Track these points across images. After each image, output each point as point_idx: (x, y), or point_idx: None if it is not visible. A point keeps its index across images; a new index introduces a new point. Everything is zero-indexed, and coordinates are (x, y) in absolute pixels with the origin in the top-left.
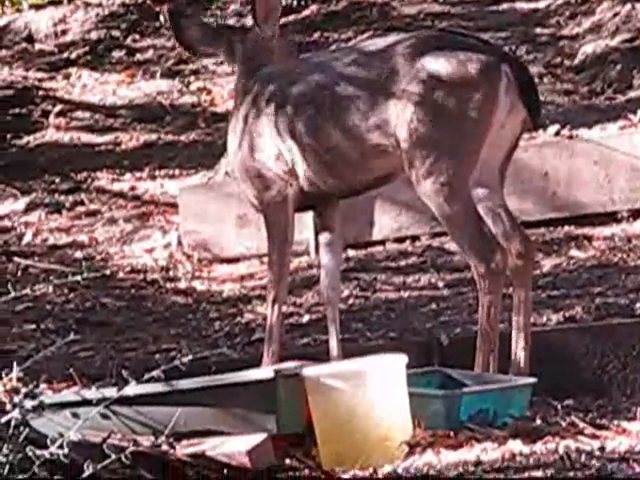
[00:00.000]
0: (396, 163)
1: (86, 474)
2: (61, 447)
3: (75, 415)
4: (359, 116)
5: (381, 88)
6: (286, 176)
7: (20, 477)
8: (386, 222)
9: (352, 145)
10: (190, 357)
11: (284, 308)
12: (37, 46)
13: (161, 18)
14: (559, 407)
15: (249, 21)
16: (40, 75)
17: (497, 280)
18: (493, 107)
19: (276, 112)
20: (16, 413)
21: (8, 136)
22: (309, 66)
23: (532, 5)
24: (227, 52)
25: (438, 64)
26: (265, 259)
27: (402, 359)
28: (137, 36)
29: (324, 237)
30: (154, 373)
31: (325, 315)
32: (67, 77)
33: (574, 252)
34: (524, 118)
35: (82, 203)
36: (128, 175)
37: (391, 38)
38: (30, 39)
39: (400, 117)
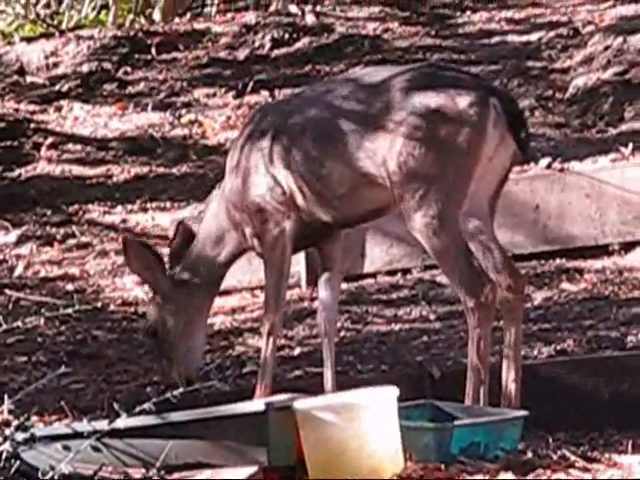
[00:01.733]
0: (387, 196)
1: None
2: None
3: (66, 448)
4: (350, 148)
5: (372, 121)
6: (283, 207)
7: None
8: (378, 255)
9: (344, 176)
10: (181, 390)
11: None
12: (29, 79)
13: (152, 51)
14: (550, 440)
15: (240, 54)
16: (32, 107)
17: (487, 313)
18: (482, 141)
19: (272, 144)
20: (7, 446)
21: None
22: (304, 99)
23: (524, 38)
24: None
25: (427, 98)
26: (257, 291)
27: (393, 392)
28: (129, 69)
29: (324, 270)
30: (145, 405)
31: (316, 348)
32: (59, 109)
33: (565, 285)
34: (513, 151)
35: (73, 236)
36: (119, 208)
37: (383, 71)
38: (22, 72)
39: (390, 150)
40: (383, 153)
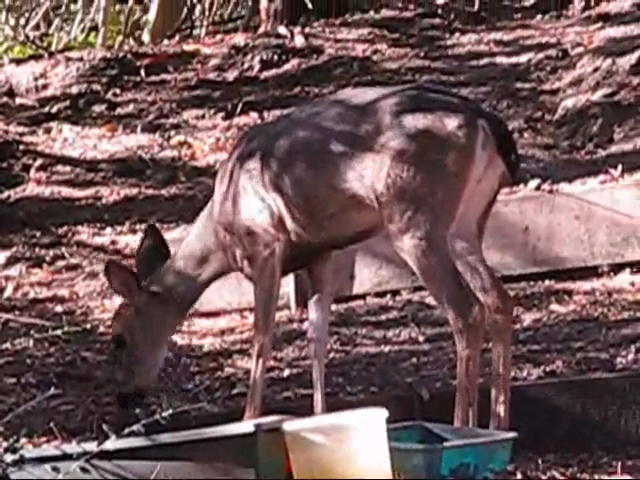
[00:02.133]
0: (376, 217)
1: None
2: None
3: (55, 469)
4: (338, 169)
5: (360, 143)
6: (273, 230)
7: None
8: (367, 276)
9: (332, 198)
10: (170, 411)
11: None
12: (18, 100)
13: (141, 73)
14: (540, 461)
15: (230, 76)
16: (21, 129)
17: (475, 335)
18: (470, 162)
19: (262, 167)
20: None
21: None
22: (292, 120)
23: (513, 60)
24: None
25: (416, 120)
26: (246, 313)
27: (382, 413)
28: (118, 90)
29: (314, 292)
30: (134, 427)
31: (306, 369)
32: (48, 131)
33: (554, 306)
34: (502, 173)
35: (63, 257)
36: (109, 229)
37: (370, 92)
38: (11, 93)
39: (378, 172)
40: (371, 174)
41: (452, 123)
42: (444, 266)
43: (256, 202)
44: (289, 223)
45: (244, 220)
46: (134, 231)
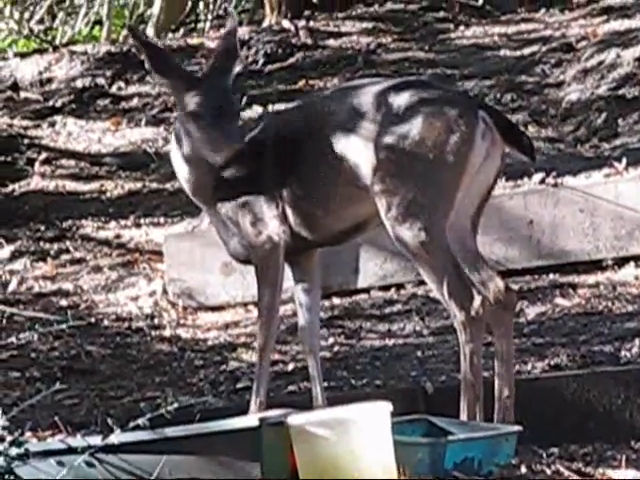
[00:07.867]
0: (373, 210)
1: None
2: None
3: (60, 463)
4: (334, 161)
5: (359, 133)
6: (277, 221)
7: None
8: (371, 270)
9: (331, 190)
10: (175, 405)
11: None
12: (22, 94)
13: (146, 66)
14: (544, 455)
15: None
16: (25, 123)
17: (477, 327)
18: (470, 151)
19: (266, 158)
20: (1, 461)
21: None
22: (295, 111)
23: (517, 53)
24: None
25: (415, 108)
26: (250, 307)
27: (387, 407)
28: (122, 84)
29: (302, 285)
30: (139, 421)
31: None
32: (52, 125)
33: (559, 300)
34: (498, 169)
35: (67, 251)
36: (113, 223)
37: (370, 84)
38: (15, 87)
39: (376, 161)
40: (367, 166)
41: (452, 112)
42: (444, 257)
43: (263, 192)
44: (290, 215)
45: (251, 210)
46: (138, 225)
